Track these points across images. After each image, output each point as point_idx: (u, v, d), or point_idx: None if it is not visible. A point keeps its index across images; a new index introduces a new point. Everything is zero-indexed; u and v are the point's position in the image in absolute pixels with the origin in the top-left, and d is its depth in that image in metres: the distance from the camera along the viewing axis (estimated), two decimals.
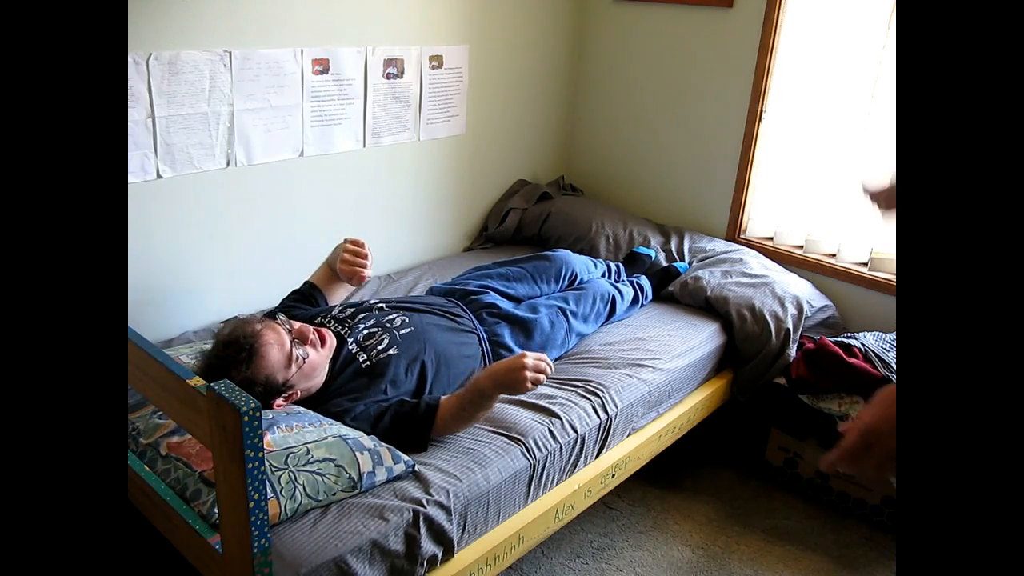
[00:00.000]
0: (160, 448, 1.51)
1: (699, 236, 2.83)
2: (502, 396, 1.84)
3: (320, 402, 1.69)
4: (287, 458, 1.42)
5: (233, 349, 1.56)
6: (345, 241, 1.92)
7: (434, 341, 1.87)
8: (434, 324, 1.93)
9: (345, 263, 1.87)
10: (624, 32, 3.00)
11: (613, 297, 2.33)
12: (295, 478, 1.40)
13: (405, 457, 1.55)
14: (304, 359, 1.63)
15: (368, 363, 1.77)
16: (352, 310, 1.92)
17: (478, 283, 2.21)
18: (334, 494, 1.44)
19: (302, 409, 1.61)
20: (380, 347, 1.80)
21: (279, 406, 1.61)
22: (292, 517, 1.39)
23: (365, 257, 1.88)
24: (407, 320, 1.89)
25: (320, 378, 1.71)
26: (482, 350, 1.97)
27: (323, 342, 1.71)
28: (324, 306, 2.00)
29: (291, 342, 1.64)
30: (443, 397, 1.69)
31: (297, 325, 1.71)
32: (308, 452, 1.45)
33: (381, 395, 1.72)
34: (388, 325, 1.86)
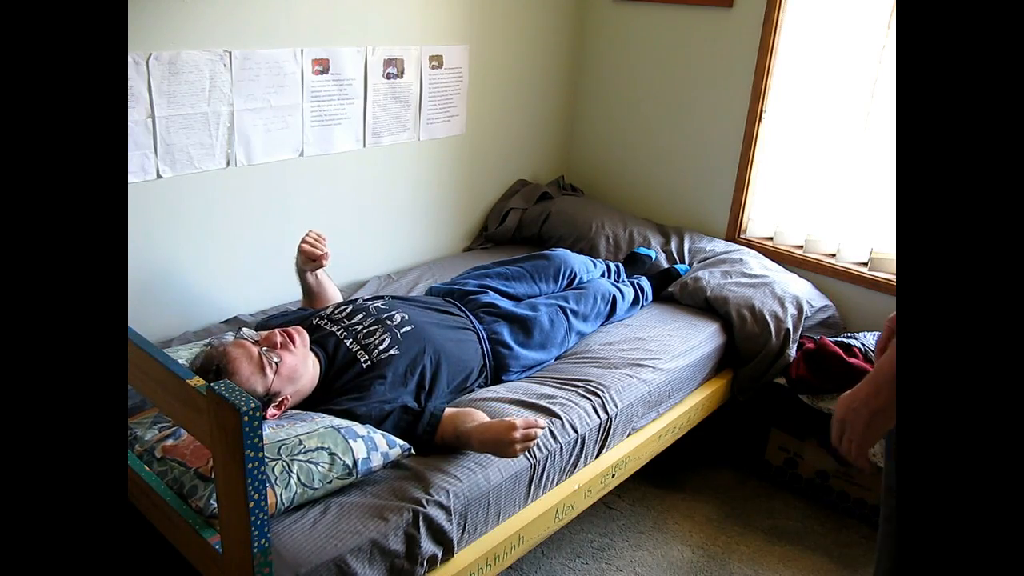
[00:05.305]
0: (155, 452, 1.51)
1: (699, 236, 2.83)
2: (503, 398, 1.85)
3: (321, 402, 1.69)
4: (279, 449, 1.42)
5: (202, 372, 1.57)
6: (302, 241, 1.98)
7: (434, 339, 1.87)
8: (433, 322, 1.93)
9: (305, 248, 1.94)
10: (624, 32, 3.00)
11: (614, 297, 2.33)
12: (288, 467, 1.40)
13: (400, 441, 1.56)
14: (278, 363, 1.62)
15: (369, 363, 1.76)
16: (349, 308, 1.92)
17: (477, 283, 2.21)
18: (330, 482, 1.44)
19: (295, 412, 1.61)
20: (381, 347, 1.79)
21: (273, 416, 1.59)
22: (290, 508, 1.39)
23: (323, 243, 1.97)
24: (406, 317, 1.89)
25: (308, 378, 1.69)
26: (481, 348, 1.97)
27: (292, 341, 1.68)
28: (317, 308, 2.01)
29: (260, 351, 1.62)
30: (445, 411, 1.69)
31: (263, 333, 1.70)
32: (300, 443, 1.45)
33: (382, 396, 1.72)
34: (388, 323, 1.86)
